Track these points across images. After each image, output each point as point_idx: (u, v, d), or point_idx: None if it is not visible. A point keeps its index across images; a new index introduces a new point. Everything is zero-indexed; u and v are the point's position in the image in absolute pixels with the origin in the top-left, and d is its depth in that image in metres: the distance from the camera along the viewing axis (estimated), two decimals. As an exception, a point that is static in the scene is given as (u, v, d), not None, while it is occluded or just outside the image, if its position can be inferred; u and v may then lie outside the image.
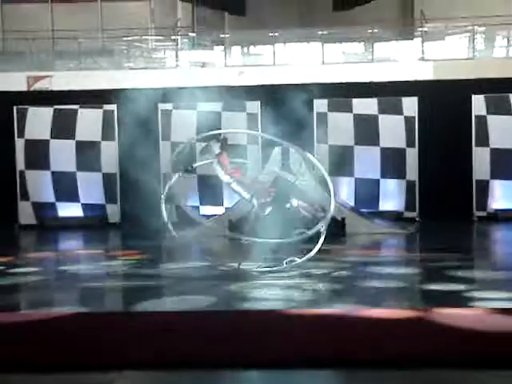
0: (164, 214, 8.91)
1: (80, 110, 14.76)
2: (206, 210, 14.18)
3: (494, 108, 14.28)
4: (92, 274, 9.18)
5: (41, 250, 12.06)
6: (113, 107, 14.63)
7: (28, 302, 7.98)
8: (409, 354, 4.93)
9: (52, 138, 14.71)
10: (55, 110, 14.74)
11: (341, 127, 14.27)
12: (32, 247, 12.79)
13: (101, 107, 14.74)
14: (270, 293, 7.47)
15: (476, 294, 7.09)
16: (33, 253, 11.54)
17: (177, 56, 22.25)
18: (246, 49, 23.83)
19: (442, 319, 5.81)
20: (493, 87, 14.27)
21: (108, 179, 14.67)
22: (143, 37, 23.34)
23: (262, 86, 16.48)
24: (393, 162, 14.27)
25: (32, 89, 19.55)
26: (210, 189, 14.03)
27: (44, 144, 14.69)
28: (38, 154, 14.66)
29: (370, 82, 15.46)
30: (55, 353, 5.25)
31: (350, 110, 14.41)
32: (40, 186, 14.71)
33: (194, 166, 9.46)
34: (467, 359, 4.86)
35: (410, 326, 5.77)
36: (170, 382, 4.83)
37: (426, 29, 20.99)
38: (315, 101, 14.30)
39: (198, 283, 8.26)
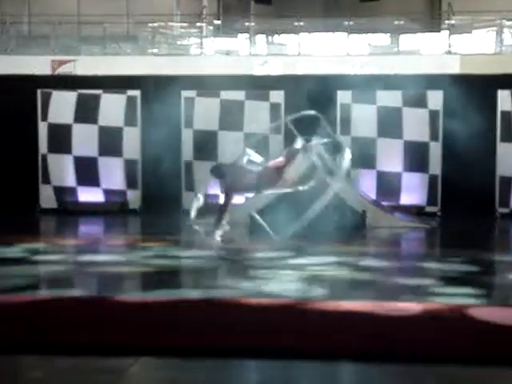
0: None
1: (103, 95, 14.75)
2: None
3: (520, 104, 14.09)
4: (109, 260, 9.19)
5: (60, 235, 12.12)
6: (136, 93, 14.61)
7: (45, 285, 8.02)
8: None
9: (75, 122, 14.72)
10: (79, 94, 14.75)
11: (364, 119, 14.15)
12: (51, 232, 12.85)
13: (124, 93, 14.71)
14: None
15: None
16: (52, 237, 11.58)
17: (201, 43, 22.26)
18: (270, 38, 23.77)
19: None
20: (519, 82, 14.10)
21: (130, 165, 14.66)
22: (168, 23, 23.35)
23: (286, 75, 16.42)
24: (416, 156, 14.14)
25: (56, 73, 19.66)
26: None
27: (67, 128, 14.71)
28: (61, 138, 14.67)
29: (394, 74, 15.32)
30: (71, 336, 5.26)
31: (374, 102, 14.30)
32: (62, 170, 14.73)
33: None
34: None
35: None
36: (187, 369, 4.82)
37: (453, 22, 20.83)
38: (339, 92, 14.21)
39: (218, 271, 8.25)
